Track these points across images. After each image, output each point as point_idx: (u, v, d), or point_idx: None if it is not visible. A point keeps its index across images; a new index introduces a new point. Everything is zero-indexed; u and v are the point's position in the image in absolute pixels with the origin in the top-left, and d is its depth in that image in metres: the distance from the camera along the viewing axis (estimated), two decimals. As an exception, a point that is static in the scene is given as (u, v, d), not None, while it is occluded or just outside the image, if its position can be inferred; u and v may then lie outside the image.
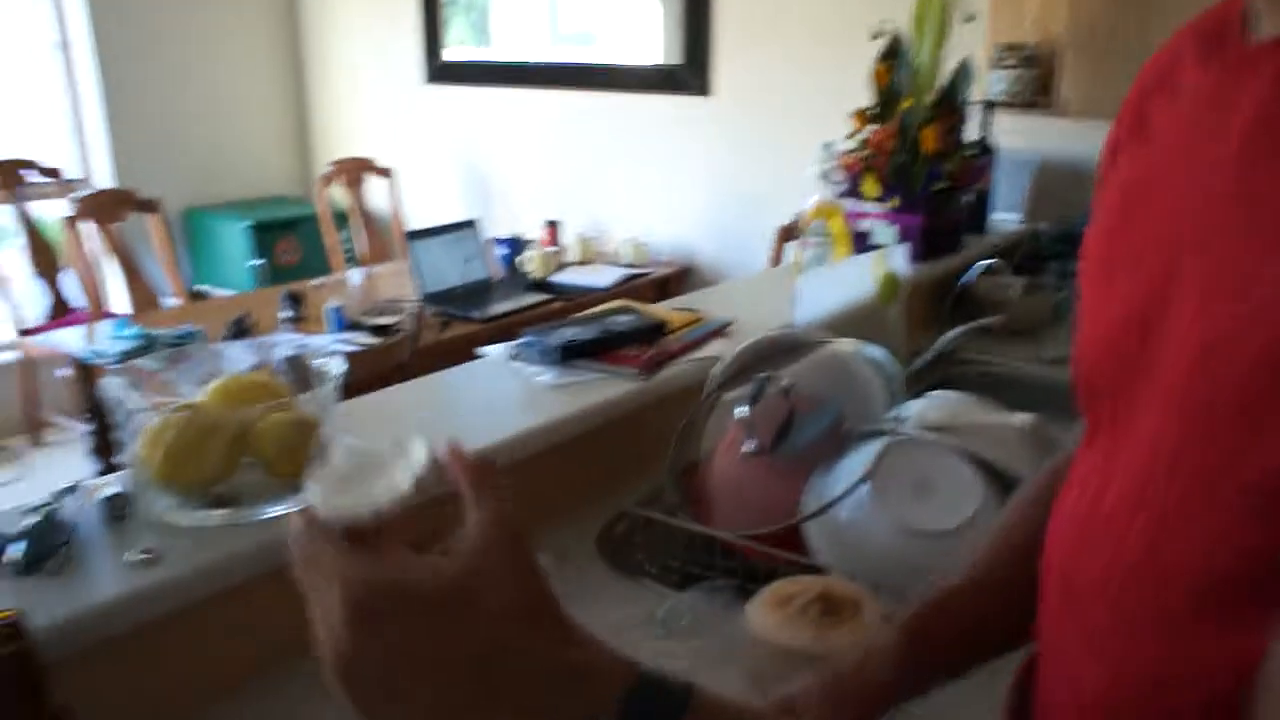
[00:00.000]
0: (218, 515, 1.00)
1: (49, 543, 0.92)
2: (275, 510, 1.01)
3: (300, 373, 1.13)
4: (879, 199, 2.21)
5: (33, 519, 0.94)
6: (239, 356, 1.16)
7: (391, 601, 0.44)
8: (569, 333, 1.48)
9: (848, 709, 0.73)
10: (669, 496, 1.27)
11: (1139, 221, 0.57)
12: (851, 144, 2.26)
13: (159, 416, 1.00)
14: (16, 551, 0.91)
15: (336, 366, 1.09)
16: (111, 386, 1.01)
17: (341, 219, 4.30)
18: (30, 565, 0.90)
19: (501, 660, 0.45)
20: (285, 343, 1.20)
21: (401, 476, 0.51)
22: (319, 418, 1.06)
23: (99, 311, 3.62)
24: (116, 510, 1.01)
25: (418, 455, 0.53)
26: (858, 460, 1.16)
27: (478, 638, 0.45)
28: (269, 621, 1.02)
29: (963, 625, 0.75)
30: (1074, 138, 2.72)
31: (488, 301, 3.14)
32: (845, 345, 1.31)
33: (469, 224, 3.39)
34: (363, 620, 0.44)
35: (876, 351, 1.27)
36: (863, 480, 1.10)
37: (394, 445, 0.55)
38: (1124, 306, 0.56)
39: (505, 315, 3.02)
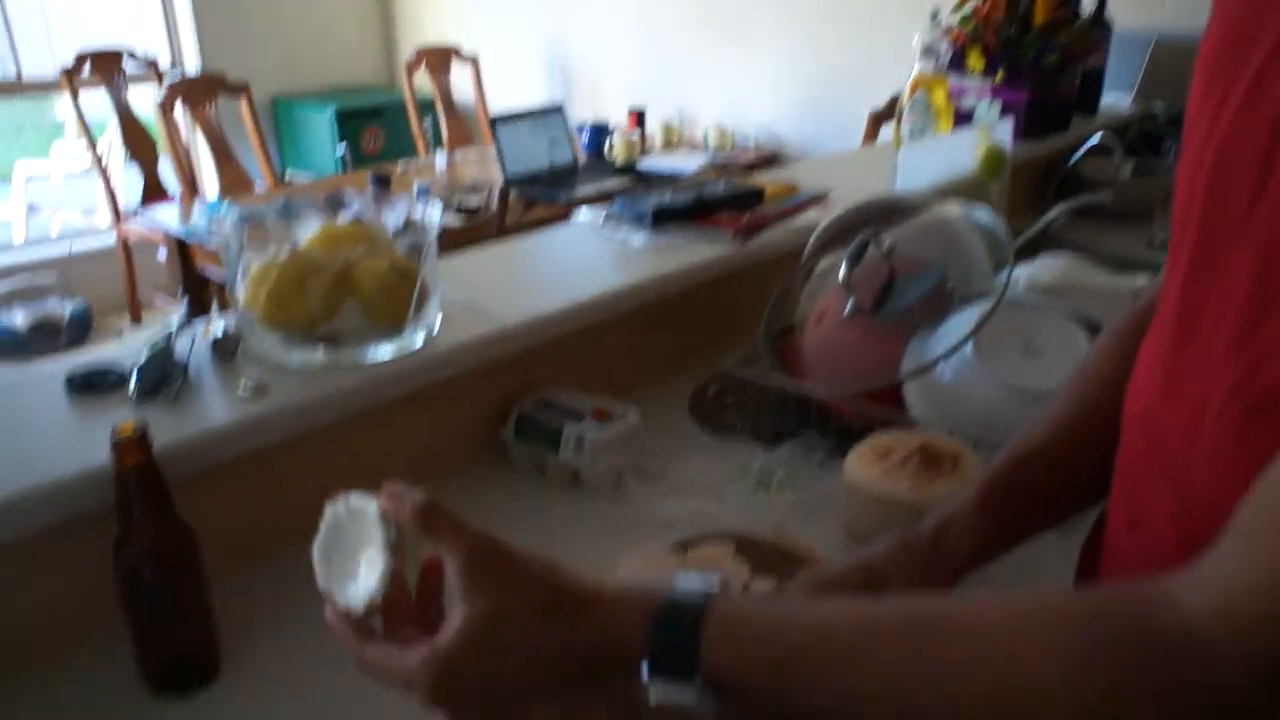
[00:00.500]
0: (321, 355, 1.02)
1: (165, 372, 0.95)
2: (376, 352, 1.03)
3: (406, 233, 1.12)
4: (984, 73, 2.10)
5: (149, 351, 0.97)
6: (345, 212, 1.16)
7: (445, 679, 0.52)
8: (662, 197, 1.46)
9: (924, 579, 0.71)
10: (763, 359, 1.25)
11: (1265, 24, 0.49)
12: (956, 17, 2.15)
13: (263, 260, 1.02)
14: (136, 379, 0.94)
15: (434, 215, 1.08)
16: (224, 227, 1.03)
17: (426, 106, 4.29)
18: (148, 392, 0.93)
19: (549, 656, 0.51)
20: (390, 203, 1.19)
21: (375, 551, 0.57)
22: (417, 264, 1.06)
23: (193, 194, 3.70)
24: (226, 349, 1.03)
25: (372, 520, 0.58)
26: (962, 322, 1.13)
27: (523, 659, 0.51)
28: (365, 460, 1.05)
29: (1041, 482, 0.72)
30: (1197, 13, 2.53)
31: (572, 185, 3.12)
32: (951, 208, 1.26)
33: (555, 109, 3.34)
34: (435, 699, 0.52)
35: (984, 214, 1.22)
36: (968, 339, 1.07)
37: (346, 511, 0.60)
38: (1236, 123, 0.49)
39: (590, 199, 3.00)
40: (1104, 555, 0.65)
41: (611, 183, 3.17)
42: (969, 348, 1.08)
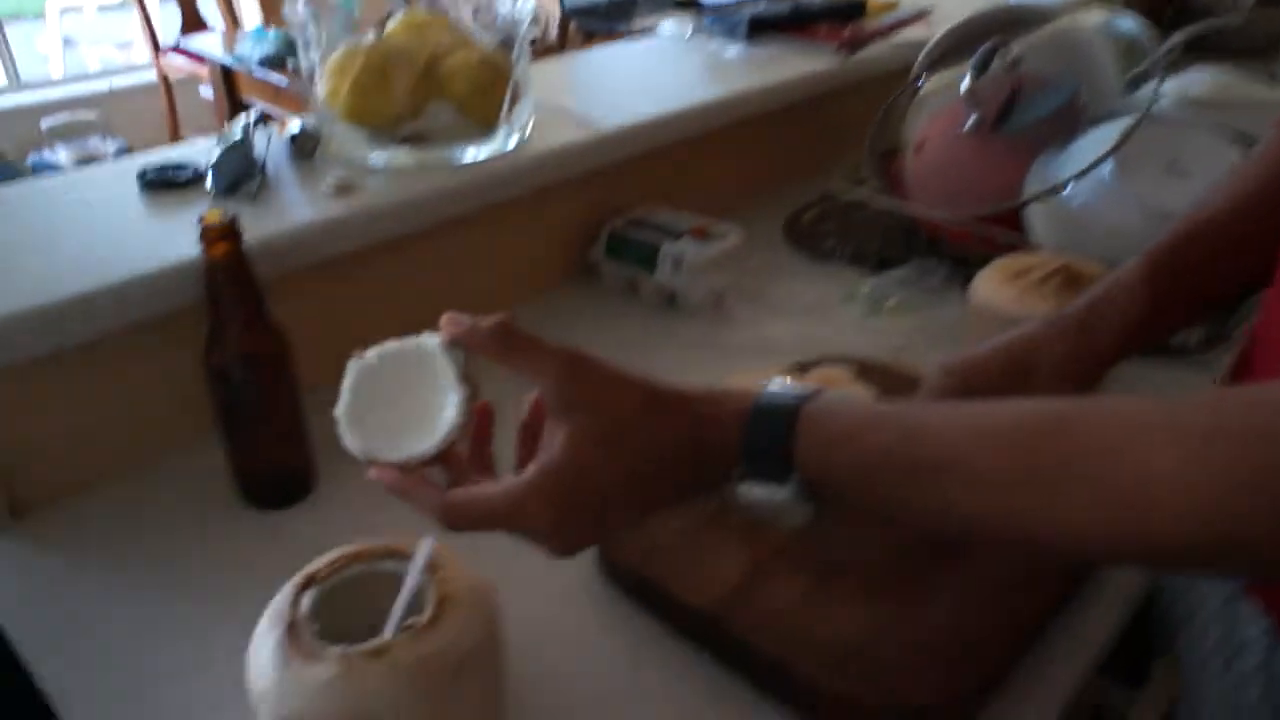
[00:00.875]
0: (406, 155, 0.94)
1: (242, 168, 0.89)
2: (467, 154, 0.95)
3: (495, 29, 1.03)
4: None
5: (224, 147, 0.90)
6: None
7: (565, 497, 0.47)
8: (757, 7, 1.34)
9: (1072, 360, 0.64)
10: (869, 180, 1.16)
11: None
12: None
13: (345, 48, 0.93)
14: (213, 174, 0.87)
15: (528, 6, 0.99)
16: (297, 12, 0.94)
17: (471, -64, 4.06)
18: (226, 189, 0.87)
19: (660, 453, 0.47)
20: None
21: (444, 383, 0.51)
22: (509, 62, 0.97)
23: (234, 25, 3.57)
24: (305, 148, 0.96)
25: (431, 353, 0.51)
26: (1095, 140, 1.02)
27: (637, 458, 0.47)
28: (452, 274, 0.99)
29: (1214, 256, 0.65)
30: None
31: (632, 16, 2.94)
32: (1088, 16, 1.14)
33: (611, -65, 3.14)
34: (554, 522, 0.47)
35: (1127, 21, 1.10)
36: (1109, 156, 0.97)
37: (379, 359, 0.52)
38: None
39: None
40: (1255, 355, 0.59)
41: (673, 16, 3.00)
42: (1107, 166, 0.98)
